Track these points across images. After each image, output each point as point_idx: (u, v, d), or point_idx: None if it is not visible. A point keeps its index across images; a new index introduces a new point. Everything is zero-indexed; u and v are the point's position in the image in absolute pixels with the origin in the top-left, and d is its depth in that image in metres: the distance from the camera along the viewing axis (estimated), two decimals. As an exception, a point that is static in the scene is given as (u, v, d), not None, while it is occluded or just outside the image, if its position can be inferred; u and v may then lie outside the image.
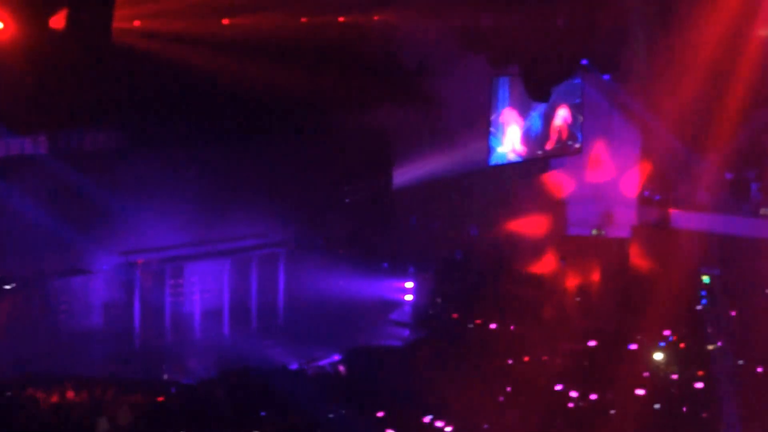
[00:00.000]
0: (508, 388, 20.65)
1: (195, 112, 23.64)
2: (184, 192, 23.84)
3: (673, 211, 29.87)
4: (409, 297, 27.18)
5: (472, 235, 29.27)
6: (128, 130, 23.57)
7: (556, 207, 30.76)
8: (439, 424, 19.11)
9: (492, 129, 28.49)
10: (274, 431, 18.51)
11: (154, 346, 23.70)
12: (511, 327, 24.44)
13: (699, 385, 21.07)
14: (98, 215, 23.10)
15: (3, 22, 15.83)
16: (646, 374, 21.46)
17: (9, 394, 18.97)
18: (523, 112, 29.20)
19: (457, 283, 27.31)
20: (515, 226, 29.62)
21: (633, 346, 22.78)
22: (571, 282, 28.51)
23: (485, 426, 19.05)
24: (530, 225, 29.93)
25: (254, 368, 21.54)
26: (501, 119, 28.73)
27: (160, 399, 19.46)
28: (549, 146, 30.16)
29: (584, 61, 27.86)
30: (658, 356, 22.31)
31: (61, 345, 22.29)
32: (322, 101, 24.77)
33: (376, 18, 25.16)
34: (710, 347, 23.09)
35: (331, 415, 19.12)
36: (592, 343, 23.07)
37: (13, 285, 22.46)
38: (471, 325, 24.87)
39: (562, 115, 30.12)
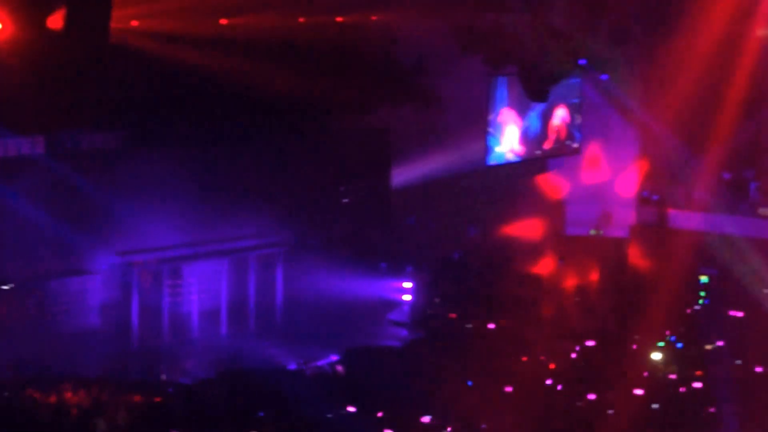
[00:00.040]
0: (507, 388, 20.63)
1: (193, 112, 23.64)
2: (181, 192, 23.80)
3: (671, 211, 29.87)
4: (407, 297, 27.16)
5: (470, 235, 29.26)
6: (126, 131, 23.56)
7: (554, 207, 30.75)
8: (437, 424, 19.08)
9: (490, 129, 28.49)
10: (272, 431, 18.49)
11: (152, 347, 23.67)
12: (509, 327, 24.41)
13: (697, 385, 21.05)
14: (95, 215, 23.09)
15: (0, 21, 15.82)
16: (644, 374, 21.44)
17: (6, 394, 18.94)
18: (522, 111, 29.19)
19: (456, 283, 27.29)
20: (513, 226, 29.62)
21: (631, 346, 22.76)
22: (569, 282, 28.48)
23: (483, 426, 19.02)
24: (528, 225, 29.92)
25: (252, 368, 21.52)
26: (499, 119, 28.73)
27: (158, 399, 19.44)
28: (547, 146, 30.16)
29: (582, 61, 27.88)
30: (657, 356, 22.29)
31: (58, 345, 22.25)
32: (319, 101, 24.77)
33: (373, 18, 25.18)
34: (708, 347, 23.08)
35: (329, 416, 19.09)
36: (590, 343, 23.06)
37: (10, 285, 22.44)
38: (469, 325, 24.86)
39: (561, 114, 30.12)
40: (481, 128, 28.30)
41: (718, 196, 29.30)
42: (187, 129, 23.97)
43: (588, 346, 22.98)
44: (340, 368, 22.14)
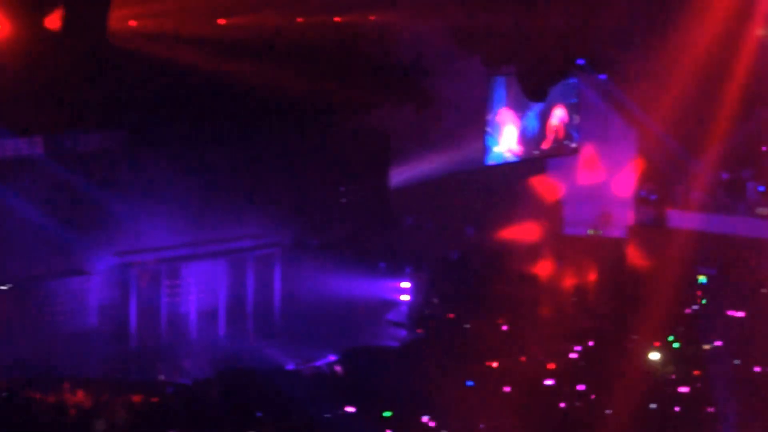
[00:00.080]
0: (505, 388, 20.63)
1: (192, 112, 23.64)
2: (180, 192, 23.80)
3: (669, 211, 29.88)
4: (405, 297, 27.15)
5: (468, 235, 29.25)
6: (124, 131, 23.55)
7: (552, 207, 30.73)
8: (435, 424, 19.09)
9: (489, 129, 28.48)
10: (270, 431, 18.50)
11: (151, 347, 23.68)
12: (508, 327, 24.42)
13: (696, 385, 21.06)
14: (94, 216, 23.10)
15: (-2, 22, 15.85)
16: (643, 374, 21.44)
17: (6, 394, 18.95)
18: (520, 111, 29.18)
19: (454, 283, 27.29)
20: (512, 226, 29.60)
21: (630, 346, 22.77)
22: (568, 282, 28.48)
23: (481, 426, 19.03)
24: (527, 225, 29.90)
25: (250, 368, 21.52)
26: (498, 119, 28.72)
27: (156, 399, 19.45)
28: (545, 146, 30.14)
29: (580, 61, 27.88)
30: (655, 356, 22.30)
31: (57, 345, 22.26)
32: (318, 101, 24.77)
33: (372, 18, 25.19)
34: (706, 347, 23.08)
35: (327, 415, 19.10)
36: (588, 343, 23.06)
37: (9, 286, 22.44)
38: (467, 325, 24.85)
39: (559, 114, 30.10)
40: (480, 128, 28.30)
41: (716, 196, 29.32)
42: (185, 130, 23.96)
43: (587, 346, 22.99)
44: (338, 368, 22.15)
